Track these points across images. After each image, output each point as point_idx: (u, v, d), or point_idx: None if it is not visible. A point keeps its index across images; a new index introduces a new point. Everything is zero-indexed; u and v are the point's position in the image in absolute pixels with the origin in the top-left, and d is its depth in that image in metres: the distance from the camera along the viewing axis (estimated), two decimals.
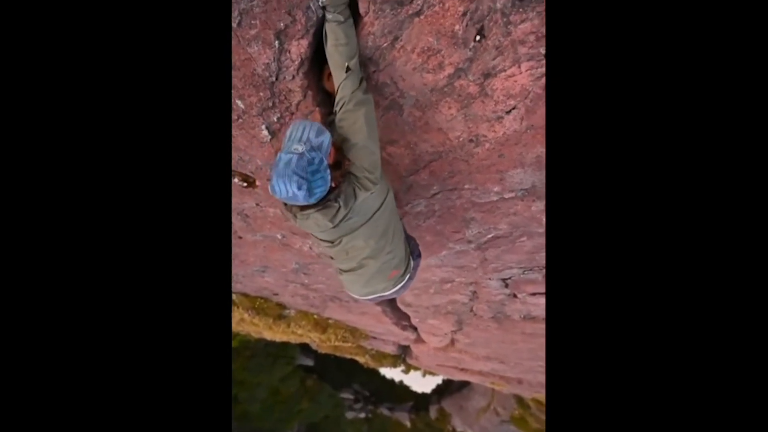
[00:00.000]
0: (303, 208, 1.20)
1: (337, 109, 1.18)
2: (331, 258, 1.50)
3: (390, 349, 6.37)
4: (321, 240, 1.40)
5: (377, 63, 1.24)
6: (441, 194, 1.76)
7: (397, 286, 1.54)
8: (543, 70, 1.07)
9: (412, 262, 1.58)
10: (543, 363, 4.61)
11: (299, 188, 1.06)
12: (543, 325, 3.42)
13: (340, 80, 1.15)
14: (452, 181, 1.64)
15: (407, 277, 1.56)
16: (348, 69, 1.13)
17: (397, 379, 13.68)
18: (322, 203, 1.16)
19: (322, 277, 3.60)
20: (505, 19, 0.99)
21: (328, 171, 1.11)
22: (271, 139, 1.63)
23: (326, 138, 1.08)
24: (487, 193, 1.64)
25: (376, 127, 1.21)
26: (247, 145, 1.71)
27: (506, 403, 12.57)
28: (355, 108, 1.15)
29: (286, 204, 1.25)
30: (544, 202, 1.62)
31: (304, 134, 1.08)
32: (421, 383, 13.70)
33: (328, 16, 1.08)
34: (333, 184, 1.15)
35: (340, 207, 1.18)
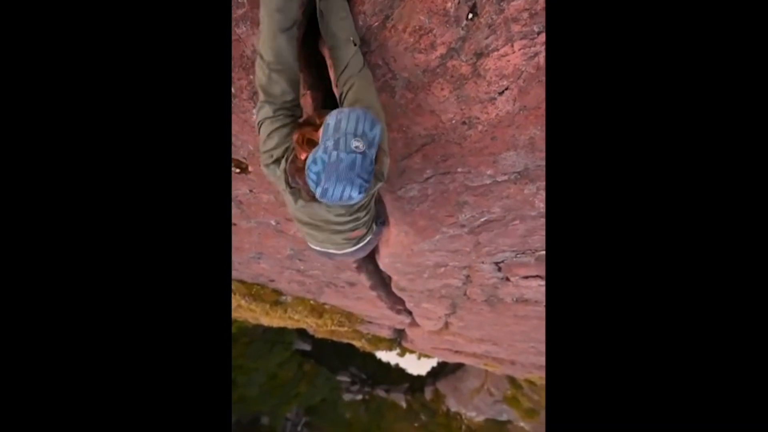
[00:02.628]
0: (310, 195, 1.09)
1: (345, 88, 1.13)
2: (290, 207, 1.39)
3: (385, 333, 6.46)
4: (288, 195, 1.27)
5: (369, 43, 1.22)
6: (434, 178, 1.76)
7: (355, 246, 1.52)
8: (536, 49, 1.06)
9: (374, 227, 1.56)
10: (535, 344, 4.71)
11: (360, 191, 0.94)
12: (535, 308, 3.48)
13: (348, 56, 1.10)
14: (445, 164, 1.63)
15: (367, 239, 1.54)
16: (354, 44, 1.10)
17: (393, 362, 13.93)
18: None
19: (318, 263, 3.61)
20: None
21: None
22: None
23: (379, 129, 0.94)
24: (480, 176, 1.64)
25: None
26: (239, 129, 1.69)
27: (499, 384, 12.88)
28: (368, 86, 1.13)
29: (293, 188, 1.16)
30: (536, 185, 1.62)
31: (358, 127, 0.91)
32: (417, 366, 13.97)
33: None
34: None
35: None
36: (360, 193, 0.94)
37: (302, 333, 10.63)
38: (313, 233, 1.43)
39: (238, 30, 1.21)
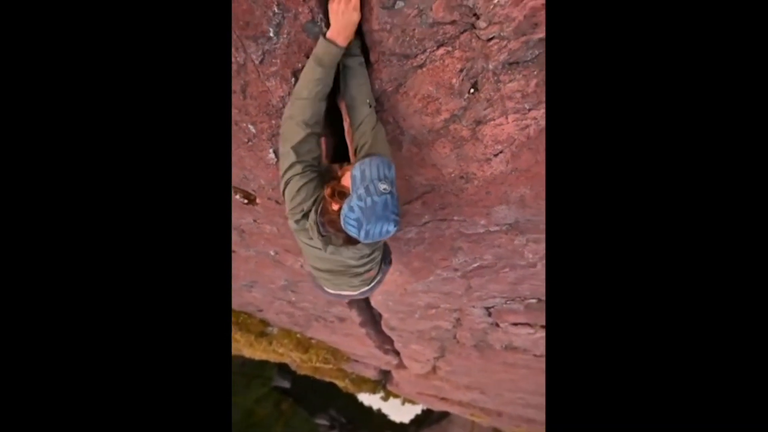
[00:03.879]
0: (351, 241, 1.22)
1: (360, 142, 1.26)
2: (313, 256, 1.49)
3: (371, 374, 6.31)
4: (309, 245, 1.39)
5: (382, 104, 1.38)
6: (431, 223, 1.88)
7: (368, 286, 1.63)
8: (527, 122, 1.22)
9: (383, 266, 1.67)
10: (523, 395, 4.63)
11: (395, 225, 1.06)
12: (524, 356, 3.49)
13: (364, 115, 1.25)
14: (443, 212, 1.76)
15: (378, 278, 1.64)
16: (370, 105, 1.25)
17: (375, 406, 13.34)
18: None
19: (310, 296, 3.64)
20: (495, 78, 1.15)
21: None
22: (276, 162, 1.75)
23: (394, 169, 1.11)
24: (474, 225, 1.77)
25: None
26: (254, 165, 1.82)
27: None
28: (381, 141, 1.26)
29: (324, 236, 1.24)
30: (525, 237, 1.75)
31: (380, 171, 1.06)
32: (400, 412, 13.39)
33: (351, 59, 1.20)
34: None
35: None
36: (395, 226, 1.07)
37: (282, 369, 10.26)
38: (331, 278, 1.53)
39: (268, 83, 1.38)
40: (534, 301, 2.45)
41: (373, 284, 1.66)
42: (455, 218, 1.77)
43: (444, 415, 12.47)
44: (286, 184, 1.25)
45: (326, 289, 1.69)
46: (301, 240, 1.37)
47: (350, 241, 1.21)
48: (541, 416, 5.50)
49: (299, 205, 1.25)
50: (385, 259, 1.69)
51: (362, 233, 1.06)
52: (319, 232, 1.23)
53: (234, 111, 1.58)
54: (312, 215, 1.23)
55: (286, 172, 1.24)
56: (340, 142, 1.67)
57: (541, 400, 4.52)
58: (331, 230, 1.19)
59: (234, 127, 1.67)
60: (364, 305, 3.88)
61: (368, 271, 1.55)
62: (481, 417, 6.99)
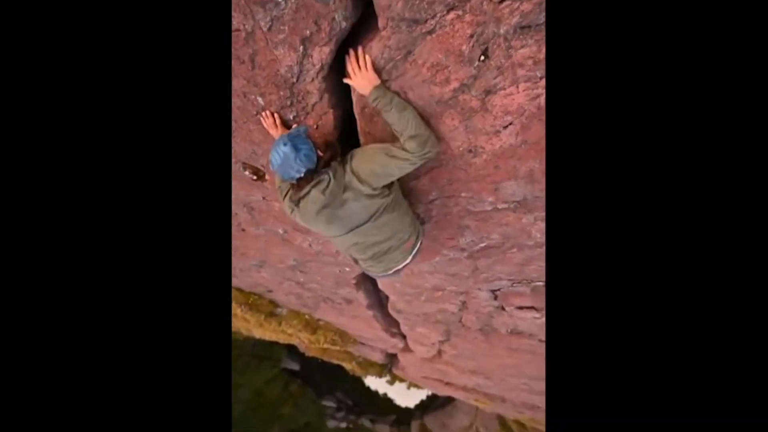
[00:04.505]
0: (299, 188, 1.47)
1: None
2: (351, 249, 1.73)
3: (377, 357, 6.39)
4: (330, 236, 1.64)
5: (390, 73, 1.37)
6: (439, 201, 1.87)
7: (412, 253, 1.77)
8: (538, 91, 1.20)
9: (421, 228, 1.82)
10: (527, 381, 4.65)
11: (285, 144, 1.38)
12: (529, 341, 3.49)
13: (403, 139, 1.41)
14: (450, 188, 1.75)
15: (420, 241, 1.79)
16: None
17: (381, 390, 13.57)
18: (315, 177, 1.44)
19: (318, 276, 3.68)
20: (507, 44, 1.12)
21: (310, 141, 1.43)
22: None
23: (302, 129, 1.45)
24: (481, 202, 1.75)
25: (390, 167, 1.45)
26: (262, 139, 1.83)
27: (489, 424, 12.45)
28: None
29: (287, 195, 1.55)
30: (533, 215, 1.73)
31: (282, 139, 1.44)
32: (405, 397, 13.59)
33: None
34: (320, 153, 1.47)
35: (330, 179, 1.43)
36: (286, 145, 1.39)
37: (291, 351, 10.47)
38: (374, 262, 1.74)
39: (277, 51, 1.37)
40: (540, 283, 2.43)
41: (415, 251, 1.78)
42: (462, 194, 1.75)
43: (449, 400, 12.61)
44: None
45: (379, 274, 1.85)
46: (319, 228, 1.60)
47: (298, 187, 1.48)
48: (544, 403, 5.52)
49: (283, 193, 1.57)
50: (421, 223, 1.86)
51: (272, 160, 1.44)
52: (288, 197, 1.54)
53: (243, 82, 1.58)
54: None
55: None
56: (346, 115, 1.66)
57: (543, 385, 4.54)
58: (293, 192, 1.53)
59: (243, 100, 1.67)
60: (371, 287, 3.91)
61: (403, 242, 1.69)
62: (484, 403, 7.05)
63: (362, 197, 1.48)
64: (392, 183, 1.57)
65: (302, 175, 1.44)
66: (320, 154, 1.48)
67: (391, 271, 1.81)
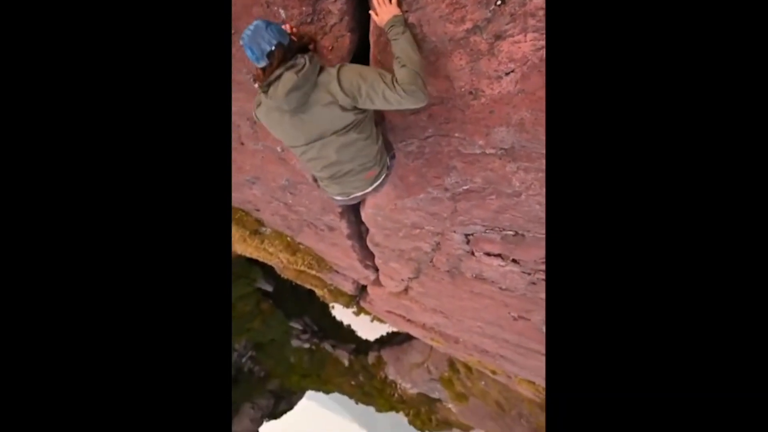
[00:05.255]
0: (271, 72, 1.44)
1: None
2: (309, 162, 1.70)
3: (348, 288, 6.82)
4: (293, 147, 1.63)
5: (410, 4, 1.43)
6: (433, 138, 2.02)
7: (373, 185, 1.78)
8: (543, 43, 1.31)
9: (388, 161, 1.81)
10: (482, 325, 5.16)
11: (254, 23, 1.39)
12: (490, 287, 3.85)
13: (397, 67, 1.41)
14: (446, 127, 1.89)
15: (383, 175, 1.80)
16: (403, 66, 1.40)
17: (345, 321, 14.54)
18: (290, 61, 1.43)
19: (306, 200, 3.85)
20: None
21: (278, 25, 1.44)
22: None
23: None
24: (472, 144, 1.91)
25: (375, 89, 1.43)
26: None
27: (439, 364, 13.71)
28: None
29: (261, 87, 1.52)
30: (517, 165, 1.91)
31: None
32: (367, 330, 14.63)
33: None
34: (293, 36, 1.49)
35: (306, 63, 1.42)
36: (255, 23, 1.40)
37: (267, 273, 10.93)
38: (332, 181, 1.72)
39: None
40: (511, 233, 2.68)
41: (378, 183, 1.81)
42: (456, 135, 1.90)
43: (406, 339, 13.69)
44: None
45: (335, 196, 1.84)
46: (282, 132, 1.60)
47: (270, 71, 1.45)
48: (493, 348, 6.16)
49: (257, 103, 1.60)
50: (389, 154, 1.85)
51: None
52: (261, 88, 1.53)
53: None
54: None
55: None
56: (362, 40, 1.73)
57: (496, 331, 5.06)
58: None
59: (265, 9, 1.70)
60: (354, 219, 4.13)
61: (364, 171, 1.69)
62: (439, 342, 7.74)
63: (334, 106, 1.45)
64: (369, 110, 1.54)
65: (273, 50, 1.40)
66: (293, 36, 1.47)
67: (348, 197, 1.82)
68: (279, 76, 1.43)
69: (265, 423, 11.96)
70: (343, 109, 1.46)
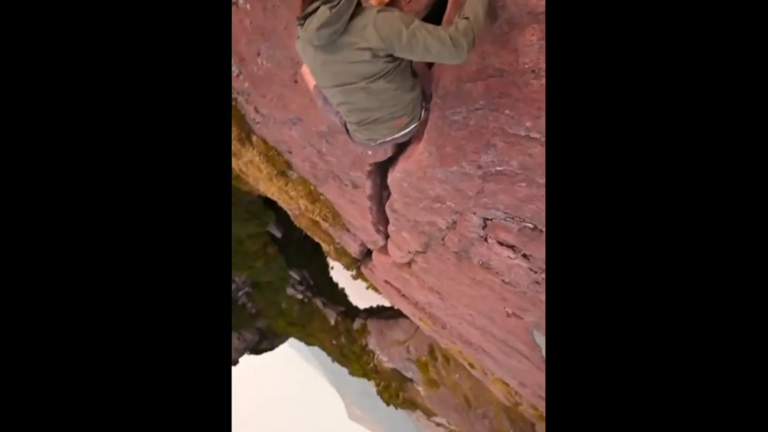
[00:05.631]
0: (310, 3, 1.43)
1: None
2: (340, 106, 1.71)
3: (354, 249, 7.00)
4: (324, 88, 1.64)
5: None
6: (482, 111, 2.06)
7: (401, 132, 1.81)
8: None
9: (422, 113, 1.82)
10: (473, 314, 5.29)
11: None
12: (493, 277, 3.93)
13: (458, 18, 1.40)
14: (499, 101, 1.93)
15: (414, 125, 1.82)
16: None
17: (341, 285, 14.94)
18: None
19: (340, 152, 3.94)
20: None
21: None
22: None
23: None
24: (519, 125, 1.95)
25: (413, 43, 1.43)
26: None
27: (419, 347, 14.05)
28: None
29: (299, 18, 1.50)
30: None
31: None
32: (359, 298, 15.01)
33: None
34: None
35: (341, 1, 1.39)
36: None
37: (280, 219, 11.22)
38: (360, 127, 1.73)
39: None
40: (530, 226, 2.74)
41: (404, 131, 1.84)
42: (506, 112, 1.94)
43: (393, 316, 14.03)
44: None
45: (364, 141, 1.87)
46: (313, 67, 1.61)
47: (306, 3, 1.45)
48: (478, 340, 6.31)
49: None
50: (424, 104, 1.83)
51: None
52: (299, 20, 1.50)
53: None
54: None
55: None
56: None
57: (486, 323, 5.18)
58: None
59: None
60: (379, 181, 4.22)
61: (394, 118, 1.70)
62: (426, 324, 7.94)
63: (365, 52, 1.44)
64: (404, 60, 1.51)
65: None
66: None
67: (375, 143, 1.85)
68: (315, 10, 1.42)
69: (246, 355, 12.70)
70: (374, 55, 1.45)
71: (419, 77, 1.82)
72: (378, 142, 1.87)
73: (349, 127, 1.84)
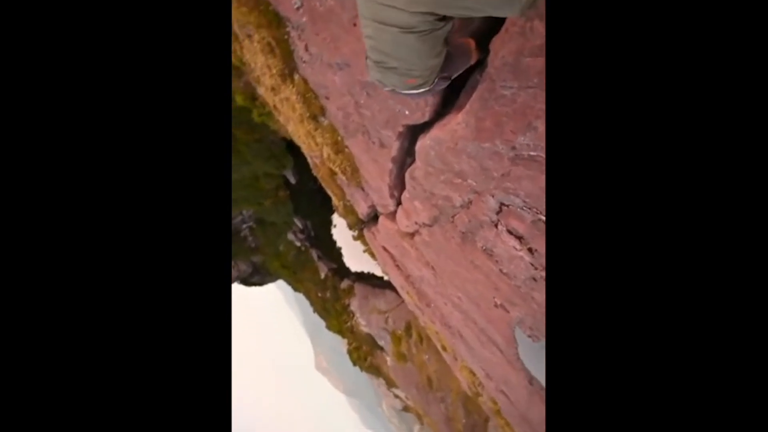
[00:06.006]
0: None
1: None
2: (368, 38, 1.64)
3: (362, 210, 7.11)
4: (362, 16, 1.54)
5: None
6: (533, 90, 2.07)
7: (410, 90, 1.79)
8: None
9: (436, 80, 1.79)
10: (462, 296, 5.43)
11: None
12: (492, 265, 4.01)
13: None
14: None
15: (424, 89, 1.79)
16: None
17: (339, 243, 15.24)
18: None
19: (378, 106, 3.95)
20: None
21: None
22: None
23: None
24: None
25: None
26: None
27: (398, 321, 14.48)
28: None
29: None
30: None
31: None
32: (353, 260, 15.32)
33: None
34: None
35: None
36: None
37: (297, 166, 11.33)
38: (373, 63, 1.70)
39: None
40: (544, 219, 2.79)
41: (416, 92, 1.81)
42: None
43: (381, 287, 14.37)
44: None
45: (376, 79, 1.80)
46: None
47: None
48: (457, 324, 6.50)
49: None
50: (443, 73, 1.80)
51: None
52: None
53: None
54: None
55: None
56: None
57: (471, 309, 5.32)
58: None
59: None
60: (407, 146, 4.24)
61: (409, 75, 1.67)
62: (412, 298, 8.15)
63: (404, 14, 1.37)
64: (444, 26, 1.46)
65: None
66: None
67: (386, 87, 1.84)
68: None
69: (236, 284, 13.27)
70: (413, 14, 1.37)
71: (449, 48, 1.75)
72: (387, 88, 1.85)
73: (368, 61, 1.77)
